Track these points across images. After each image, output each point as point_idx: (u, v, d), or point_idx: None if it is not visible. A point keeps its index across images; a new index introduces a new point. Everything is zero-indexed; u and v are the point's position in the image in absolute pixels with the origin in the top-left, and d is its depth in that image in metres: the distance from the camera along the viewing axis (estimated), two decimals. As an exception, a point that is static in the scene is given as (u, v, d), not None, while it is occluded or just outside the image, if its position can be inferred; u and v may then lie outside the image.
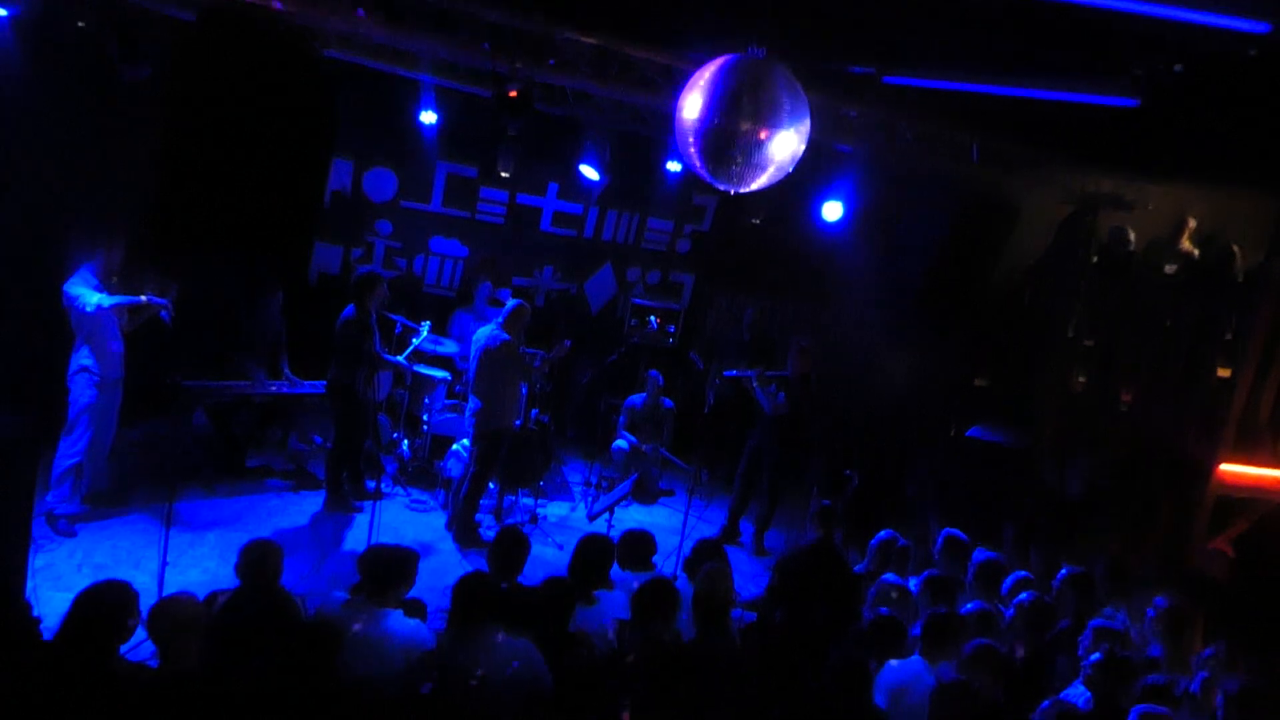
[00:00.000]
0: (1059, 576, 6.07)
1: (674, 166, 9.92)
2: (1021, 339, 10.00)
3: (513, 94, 7.27)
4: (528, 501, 8.88)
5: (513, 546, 5.18)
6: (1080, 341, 9.59)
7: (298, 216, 9.85)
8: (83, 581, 3.89)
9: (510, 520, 8.47)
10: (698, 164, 4.84)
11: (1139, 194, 9.56)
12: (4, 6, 6.27)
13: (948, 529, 6.77)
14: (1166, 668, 5.30)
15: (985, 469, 8.87)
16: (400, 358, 8.45)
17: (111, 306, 6.85)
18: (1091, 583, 6.02)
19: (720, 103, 4.60)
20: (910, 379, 10.25)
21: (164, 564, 5.91)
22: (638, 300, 11.59)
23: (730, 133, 4.61)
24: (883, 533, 6.64)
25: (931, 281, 10.34)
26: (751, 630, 5.67)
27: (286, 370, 8.68)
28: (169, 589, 5.24)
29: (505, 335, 7.76)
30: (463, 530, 8.00)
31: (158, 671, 3.89)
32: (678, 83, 5.69)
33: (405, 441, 9.28)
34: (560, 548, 8.09)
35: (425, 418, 9.23)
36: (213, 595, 4.76)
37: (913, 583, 5.95)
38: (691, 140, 4.74)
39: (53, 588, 5.94)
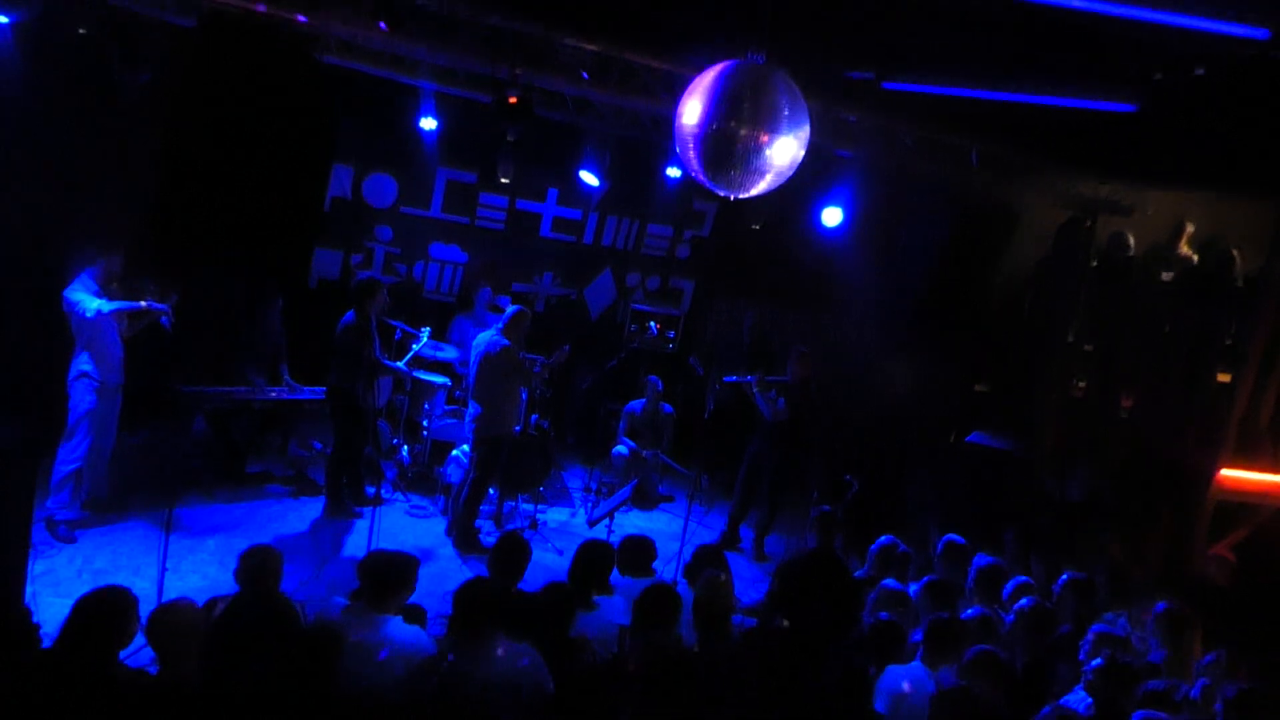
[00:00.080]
0: (1060, 581, 6.07)
1: (674, 172, 9.93)
2: (1021, 344, 9.99)
3: (512, 100, 7.28)
4: (528, 507, 8.88)
5: (514, 552, 5.17)
6: (1080, 347, 9.59)
7: (298, 222, 9.85)
8: (82, 587, 3.89)
9: (510, 526, 8.46)
10: (697, 169, 4.84)
11: (1138, 199, 9.57)
12: (5, 13, 6.27)
13: (948, 534, 6.77)
14: (1167, 673, 5.29)
15: (985, 474, 8.86)
16: (400, 363, 8.45)
17: (111, 312, 6.85)
18: (1093, 588, 6.01)
19: (720, 108, 4.60)
20: (910, 384, 10.24)
21: (163, 570, 5.91)
22: (638, 306, 11.59)
23: (730, 138, 4.61)
24: (883, 538, 6.63)
25: (931, 286, 10.34)
26: (752, 636, 5.66)
27: (286, 376, 8.69)
28: (169, 595, 5.23)
29: (505, 341, 7.76)
30: (463, 536, 8.00)
31: (157, 678, 3.88)
32: (677, 89, 5.69)
33: (405, 447, 9.28)
34: (560, 553, 8.08)
35: (425, 423, 9.23)
36: (212, 601, 4.75)
37: (913, 588, 5.94)
38: (691, 146, 4.74)
39: (52, 594, 5.93)
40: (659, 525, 9.22)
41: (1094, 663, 4.86)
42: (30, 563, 5.49)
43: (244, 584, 4.63)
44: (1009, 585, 6.08)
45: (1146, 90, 6.90)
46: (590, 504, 9.43)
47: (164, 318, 7.10)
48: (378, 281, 8.34)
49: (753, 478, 8.98)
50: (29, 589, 5.43)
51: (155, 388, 7.82)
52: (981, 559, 6.26)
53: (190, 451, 8.25)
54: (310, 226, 9.97)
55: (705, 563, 5.56)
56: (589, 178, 9.78)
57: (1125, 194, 9.51)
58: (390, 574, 4.56)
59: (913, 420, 10.19)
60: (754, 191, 4.90)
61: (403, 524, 8.30)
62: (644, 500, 9.72)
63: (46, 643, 3.94)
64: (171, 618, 3.92)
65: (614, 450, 9.75)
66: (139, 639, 3.87)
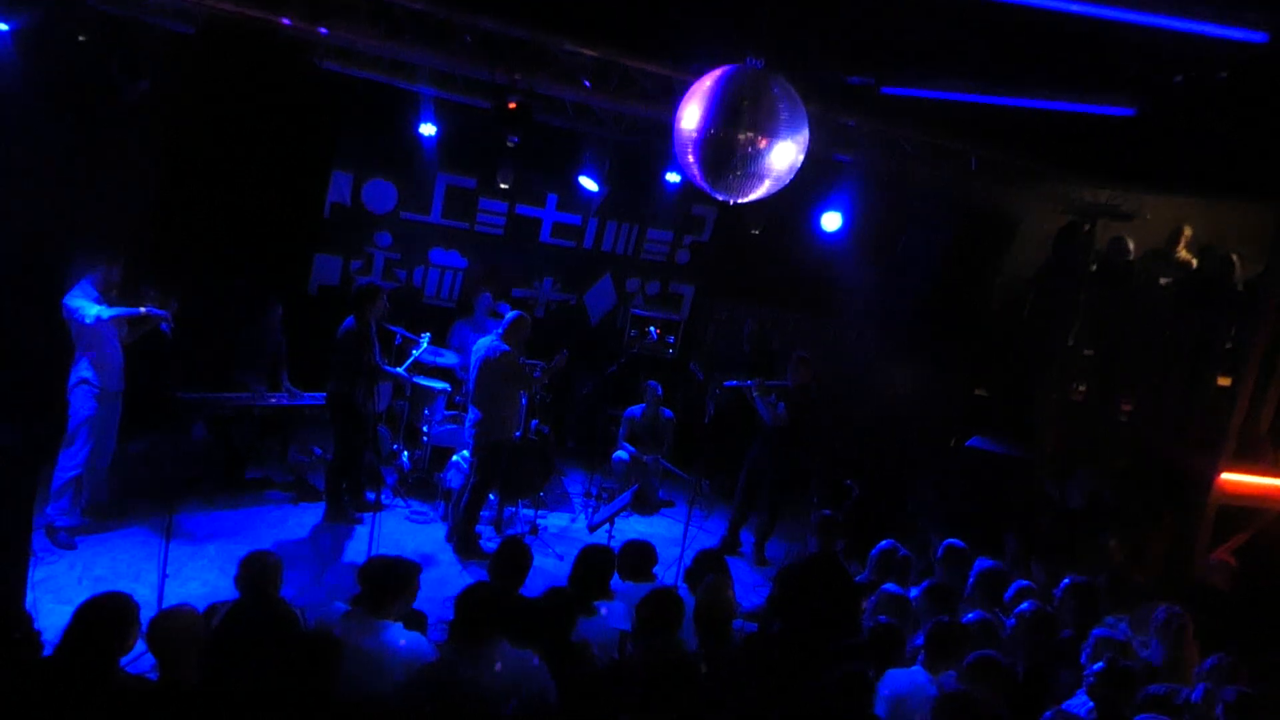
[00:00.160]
0: (1061, 585, 6.06)
1: (673, 178, 9.95)
2: (1021, 349, 10.00)
3: (512, 105, 7.29)
4: (528, 513, 8.88)
5: (515, 557, 5.17)
6: (1080, 351, 9.60)
7: (297, 228, 9.94)
8: (83, 594, 3.88)
9: (511, 531, 8.46)
10: (696, 174, 4.84)
11: (1137, 204, 9.58)
12: (5, 21, 6.29)
13: (948, 538, 6.76)
14: (1168, 678, 5.29)
15: (986, 478, 8.86)
16: (400, 369, 8.45)
17: (111, 318, 6.85)
18: (1094, 592, 6.01)
19: (719, 113, 4.61)
20: (911, 388, 10.25)
21: (164, 576, 5.90)
22: (637, 311, 11.61)
23: (729, 143, 4.62)
24: (883, 542, 6.63)
25: (931, 291, 10.36)
26: (753, 641, 5.66)
27: (286, 382, 8.71)
28: (169, 601, 5.23)
29: (505, 346, 7.76)
30: (463, 542, 7.99)
31: (158, 684, 3.88)
32: (677, 94, 5.71)
33: (405, 453, 9.27)
34: (561, 559, 8.07)
35: (425, 429, 9.23)
36: (213, 607, 4.75)
37: (913, 592, 5.94)
38: (690, 151, 4.75)
39: (53, 600, 5.92)
40: (659, 530, 9.21)
41: (1095, 667, 4.86)
42: (31, 570, 5.48)
43: (244, 590, 4.63)
44: (1010, 589, 6.08)
45: (1145, 95, 6.91)
46: (591, 509, 9.42)
47: (164, 324, 7.09)
48: (378, 287, 8.34)
49: (753, 482, 8.97)
50: (29, 596, 5.43)
51: (155, 394, 7.82)
52: (983, 563, 6.26)
53: (190, 458, 8.25)
54: (310, 232, 10.05)
55: (706, 568, 5.56)
56: (588, 183, 9.79)
57: (1124, 199, 9.53)
58: (390, 579, 4.55)
59: (913, 424, 10.20)
60: (753, 196, 4.91)
61: (403, 529, 8.29)
62: (644, 505, 9.71)
63: (47, 650, 3.94)
64: (172, 624, 3.91)
65: (614, 455, 9.74)
66: (140, 645, 3.87)
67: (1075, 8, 5.38)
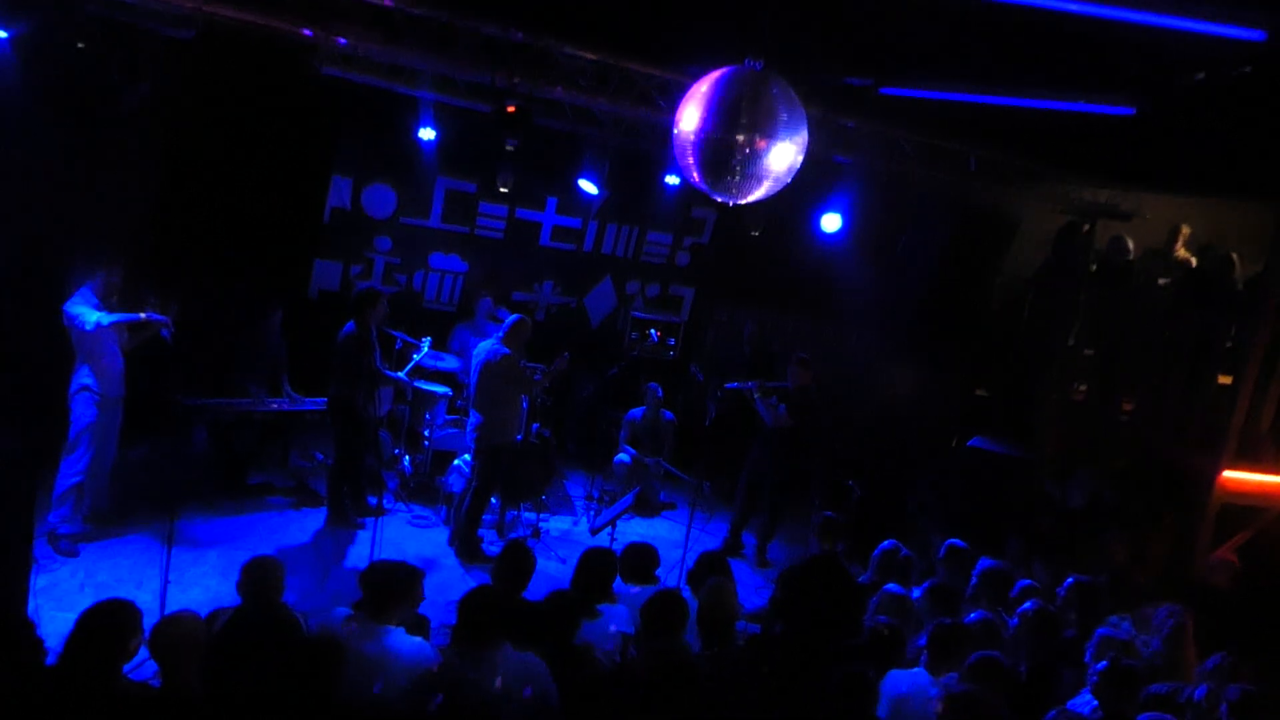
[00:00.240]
0: (1065, 585, 6.06)
1: (673, 180, 9.95)
2: (1022, 349, 10.00)
3: (511, 109, 7.29)
4: (530, 516, 8.87)
5: (519, 561, 5.17)
6: (1081, 351, 9.60)
7: (297, 233, 9.95)
8: (85, 601, 3.89)
9: (513, 535, 8.45)
10: (695, 176, 4.84)
11: (1136, 204, 9.59)
12: (3, 28, 6.29)
13: (950, 538, 6.76)
14: (1171, 676, 5.28)
15: (987, 478, 8.85)
16: (401, 373, 8.45)
17: (111, 324, 6.85)
18: (1098, 592, 6.00)
19: (718, 114, 4.61)
20: (911, 389, 10.25)
21: (166, 582, 5.89)
22: (638, 314, 11.61)
23: (728, 144, 4.61)
24: (885, 543, 6.62)
25: (931, 292, 10.36)
26: (756, 642, 5.65)
27: (287, 387, 8.70)
28: (171, 608, 5.22)
29: (505, 350, 7.76)
30: (465, 545, 7.99)
31: (161, 690, 3.87)
32: (676, 97, 5.71)
33: (407, 457, 9.27)
34: (563, 562, 8.08)
35: (426, 433, 9.23)
36: (215, 613, 4.75)
37: (915, 593, 5.94)
38: (689, 152, 4.74)
39: (55, 608, 5.92)
40: (661, 533, 9.21)
41: (1099, 665, 4.85)
42: (33, 577, 5.49)
43: (246, 596, 4.63)
44: (1014, 588, 6.07)
45: (1144, 94, 6.91)
46: (592, 512, 9.42)
47: (164, 330, 7.10)
48: (378, 291, 8.34)
49: (754, 484, 8.97)
50: (32, 603, 5.43)
51: (156, 400, 7.82)
52: (985, 562, 6.26)
53: (192, 463, 8.26)
54: (310, 237, 10.06)
55: (708, 570, 5.56)
56: (588, 186, 9.80)
57: (1124, 198, 9.53)
58: (392, 584, 4.55)
59: (913, 425, 10.20)
60: (752, 198, 4.90)
61: (405, 534, 8.29)
62: (646, 508, 9.71)
63: (50, 657, 3.94)
64: (174, 630, 3.91)
65: (615, 458, 9.74)
66: (142, 652, 3.86)
67: (1073, 7, 5.38)
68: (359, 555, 7.62)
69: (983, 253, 10.35)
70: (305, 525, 8.15)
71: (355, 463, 8.23)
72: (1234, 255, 8.63)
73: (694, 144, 4.69)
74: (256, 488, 8.59)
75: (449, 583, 7.38)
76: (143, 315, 7.03)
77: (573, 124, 8.99)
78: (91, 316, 6.75)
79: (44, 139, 7.40)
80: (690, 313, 12.33)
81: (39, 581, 5.98)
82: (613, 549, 5.87)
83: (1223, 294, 8.48)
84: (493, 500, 8.33)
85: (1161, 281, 9.19)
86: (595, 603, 5.10)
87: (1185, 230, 9.33)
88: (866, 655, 4.94)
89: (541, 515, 9.00)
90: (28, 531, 5.31)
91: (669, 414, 10.10)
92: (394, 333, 8.72)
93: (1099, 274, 9.53)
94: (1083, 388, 9.57)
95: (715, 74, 4.73)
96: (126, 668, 3.83)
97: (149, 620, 3.92)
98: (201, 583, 6.82)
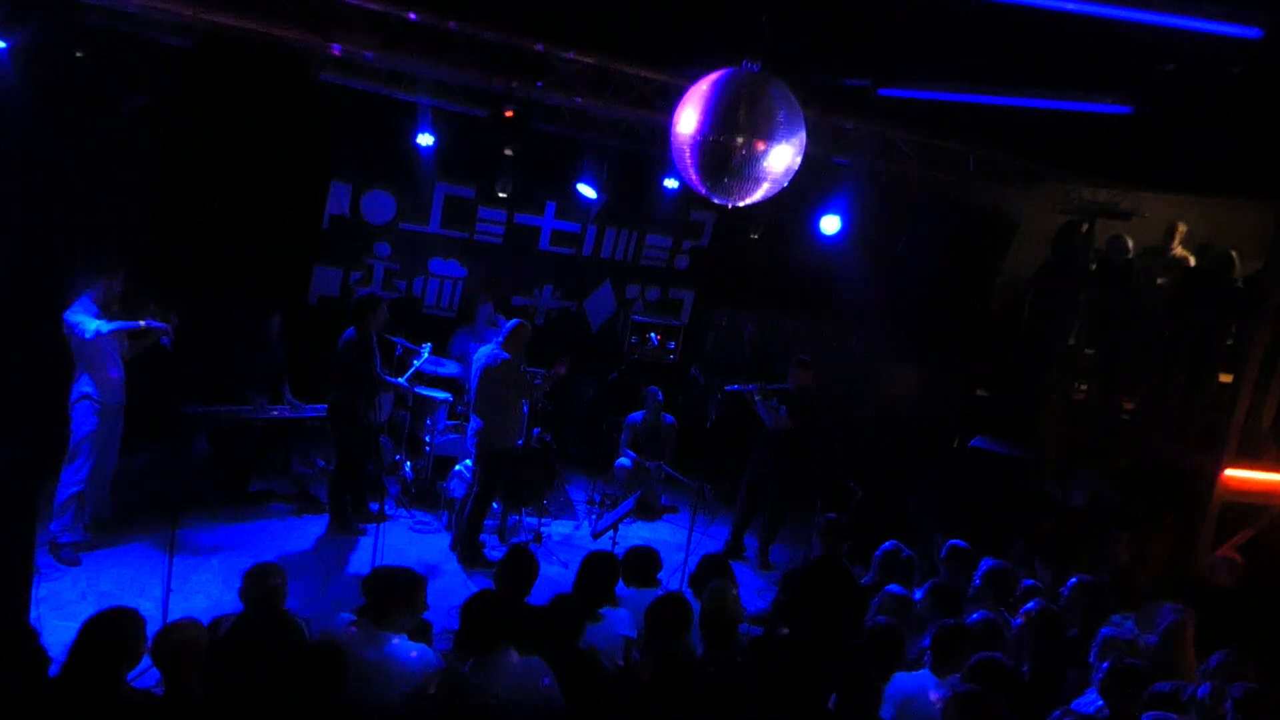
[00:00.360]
0: (1069, 585, 6.05)
1: (671, 183, 9.95)
2: (1022, 348, 10.00)
3: (509, 114, 7.30)
4: (532, 521, 8.86)
5: (522, 565, 5.16)
6: (1081, 350, 9.59)
7: (297, 240, 9.94)
8: (87, 610, 3.88)
9: (515, 540, 8.44)
10: (694, 179, 4.84)
11: (1135, 203, 9.59)
12: (2, 38, 6.29)
13: (952, 539, 6.75)
14: (1174, 675, 5.27)
15: (988, 479, 8.85)
16: (401, 379, 8.45)
17: (110, 331, 6.84)
18: (1101, 591, 6.00)
19: (716, 117, 4.61)
20: (912, 390, 10.25)
21: (168, 590, 5.89)
22: (638, 317, 11.61)
23: (726, 147, 4.61)
24: (887, 544, 6.61)
25: (931, 292, 10.36)
26: (758, 645, 5.65)
27: (288, 394, 8.70)
28: (173, 615, 5.21)
29: (505, 354, 7.76)
30: (467, 551, 7.98)
31: (163, 698, 3.87)
32: (674, 100, 5.70)
33: (408, 463, 9.26)
34: (565, 566, 8.07)
35: (427, 439, 9.22)
36: (217, 621, 4.73)
37: (917, 594, 5.93)
38: (688, 155, 4.74)
39: (57, 617, 5.92)
40: (663, 536, 9.19)
41: (1104, 665, 4.85)
42: (35, 586, 5.49)
43: (249, 603, 4.62)
44: (1018, 588, 6.07)
45: (1142, 92, 6.91)
46: (594, 516, 9.41)
47: (164, 337, 7.10)
48: (378, 298, 8.34)
49: (756, 486, 8.96)
50: (34, 612, 5.43)
51: (157, 408, 7.82)
52: (989, 562, 6.25)
53: (193, 471, 8.25)
54: (309, 244, 10.05)
55: (710, 572, 5.55)
56: (587, 190, 9.80)
57: (1123, 197, 9.54)
58: (394, 590, 4.54)
59: (914, 425, 10.20)
60: (751, 200, 4.90)
61: (407, 540, 8.28)
62: (647, 511, 9.70)
63: (53, 666, 3.93)
64: (177, 638, 3.90)
65: (616, 462, 9.74)
66: (145, 660, 3.86)
67: (1070, 6, 5.39)
68: (361, 561, 7.62)
69: (982, 253, 10.35)
70: (307, 532, 8.15)
71: (356, 469, 8.23)
72: (1233, 253, 8.63)
73: (692, 146, 4.70)
74: (258, 495, 8.58)
75: (451, 588, 7.37)
76: (142, 323, 7.04)
77: (571, 128, 9.00)
78: (91, 324, 6.75)
79: (44, 148, 7.42)
80: (690, 316, 12.32)
81: (41, 590, 5.97)
82: (615, 553, 5.86)
83: (1223, 292, 8.48)
84: (494, 505, 8.33)
85: (1160, 280, 9.19)
86: (598, 606, 5.09)
87: (1181, 228, 9.33)
88: (868, 656, 4.94)
89: (543, 520, 8.99)
90: (29, 541, 5.31)
91: (669, 417, 10.10)
92: (394, 339, 8.71)
93: (1098, 273, 9.53)
94: (1083, 387, 9.56)
95: (713, 76, 4.73)
96: (130, 676, 3.82)
97: (151, 628, 3.92)
98: (204, 590, 6.82)
